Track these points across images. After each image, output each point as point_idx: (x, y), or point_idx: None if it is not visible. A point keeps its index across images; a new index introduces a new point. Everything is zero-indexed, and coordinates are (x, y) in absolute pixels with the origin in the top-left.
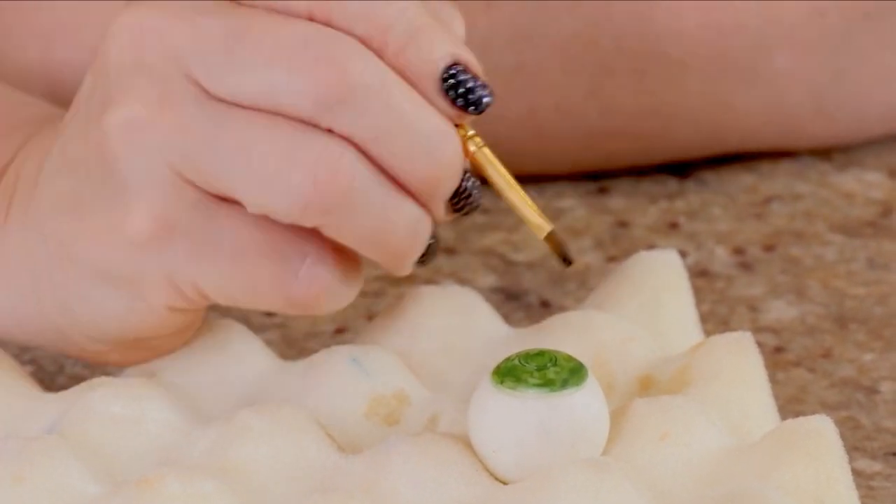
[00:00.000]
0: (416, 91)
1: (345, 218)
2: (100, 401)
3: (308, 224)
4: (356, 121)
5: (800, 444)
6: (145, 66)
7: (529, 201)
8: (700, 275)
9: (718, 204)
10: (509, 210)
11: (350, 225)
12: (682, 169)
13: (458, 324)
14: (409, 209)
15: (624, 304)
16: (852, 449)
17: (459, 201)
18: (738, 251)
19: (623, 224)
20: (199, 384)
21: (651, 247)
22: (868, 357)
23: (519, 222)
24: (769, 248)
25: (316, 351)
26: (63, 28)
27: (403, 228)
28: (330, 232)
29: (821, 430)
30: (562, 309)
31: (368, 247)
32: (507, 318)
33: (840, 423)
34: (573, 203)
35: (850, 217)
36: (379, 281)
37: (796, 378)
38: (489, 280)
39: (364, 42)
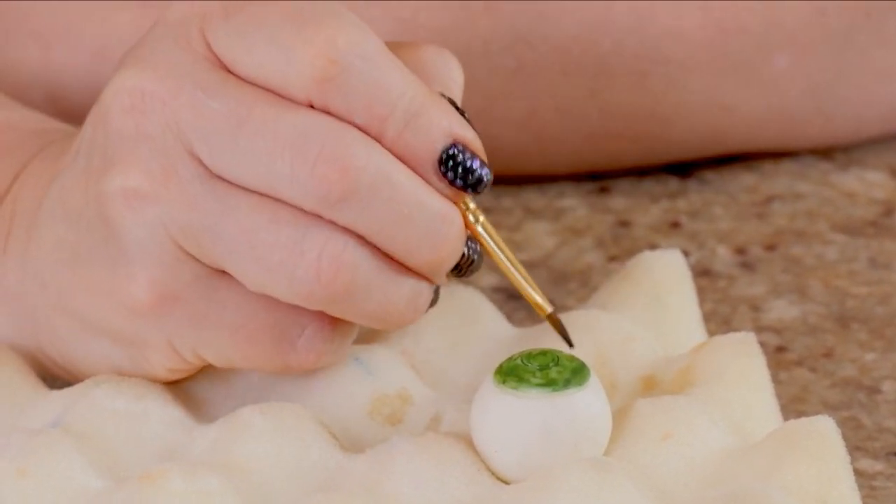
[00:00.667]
0: (416, 175)
1: (347, 305)
2: (103, 397)
3: (311, 308)
4: (359, 215)
5: (802, 444)
6: (147, 136)
7: (530, 280)
8: (702, 274)
9: (720, 203)
10: (511, 209)
11: (352, 309)
12: (684, 168)
13: (461, 323)
14: (411, 285)
15: (627, 303)
16: (854, 449)
17: (462, 269)
18: (740, 251)
19: (624, 224)
20: (203, 384)
21: (652, 246)
22: (870, 357)
23: (520, 222)
24: (771, 247)
25: None
26: (62, 30)
27: (405, 303)
28: (333, 313)
29: (823, 431)
30: (563, 308)
31: (370, 322)
32: (509, 318)
33: (842, 423)
34: (574, 202)
35: (851, 217)
36: None
37: (798, 378)
38: (491, 279)
39: (363, 129)
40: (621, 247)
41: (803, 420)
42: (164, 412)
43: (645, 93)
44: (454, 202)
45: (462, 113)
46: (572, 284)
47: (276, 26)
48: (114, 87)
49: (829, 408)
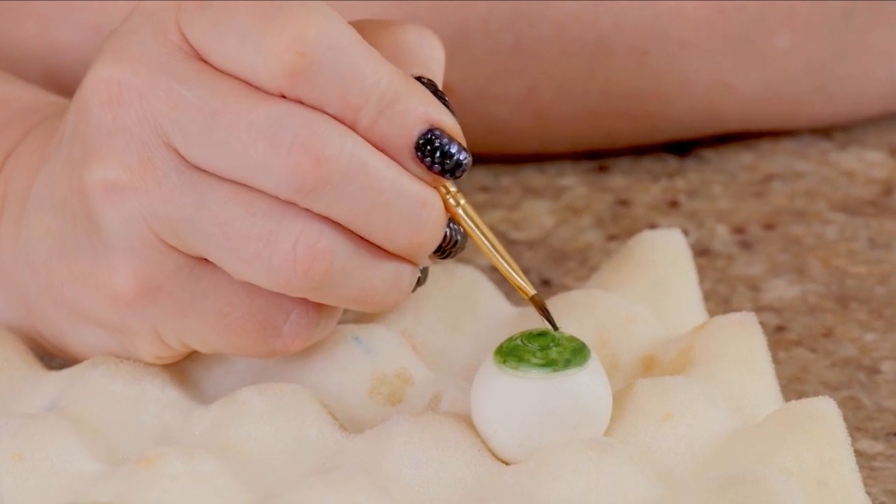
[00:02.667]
0: (393, 161)
1: (327, 291)
2: (101, 379)
3: (291, 295)
4: (334, 204)
5: (802, 425)
6: (125, 128)
7: (512, 262)
8: (701, 254)
9: (719, 182)
10: (509, 188)
11: (332, 294)
12: (683, 147)
13: (461, 303)
14: (392, 268)
15: (628, 283)
16: (854, 429)
17: (445, 250)
18: (739, 230)
19: (623, 202)
20: (200, 364)
21: (651, 225)
22: (869, 337)
23: (519, 201)
24: (770, 226)
25: None
26: (61, 8)
27: (386, 286)
28: (314, 299)
29: (823, 412)
30: (563, 287)
31: (353, 306)
32: (508, 297)
33: (841, 404)
34: (573, 181)
35: (851, 196)
36: None
37: (798, 357)
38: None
39: (338, 118)
40: (620, 226)
41: (804, 401)
42: (161, 394)
43: (644, 71)
44: (434, 186)
45: (441, 95)
46: (571, 263)
47: (247, 18)
48: (91, 79)
49: (828, 388)
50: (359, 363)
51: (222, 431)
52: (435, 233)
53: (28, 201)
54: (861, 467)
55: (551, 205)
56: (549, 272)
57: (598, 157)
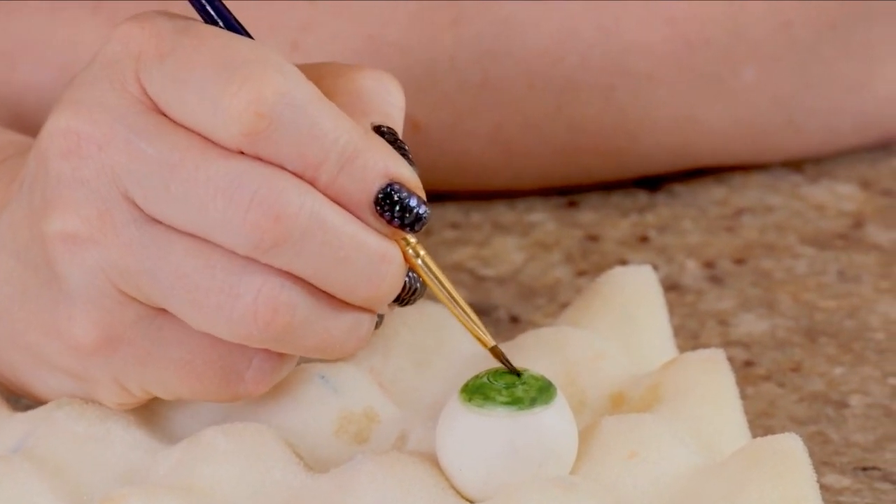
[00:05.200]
0: (353, 216)
1: (287, 342)
2: (65, 420)
3: (252, 346)
4: (294, 260)
5: (768, 463)
6: (84, 180)
7: (471, 313)
8: (670, 288)
9: (689, 217)
10: (480, 224)
11: (293, 345)
12: (653, 182)
13: (430, 340)
14: (351, 318)
15: (598, 320)
16: (821, 464)
17: (404, 299)
18: (709, 264)
19: (593, 238)
20: (166, 405)
21: (622, 261)
22: (838, 371)
23: (489, 237)
24: (740, 261)
25: None
26: (27, 48)
27: (346, 335)
28: (274, 349)
29: (789, 449)
30: (532, 324)
31: (313, 355)
32: None
33: (809, 438)
34: (543, 217)
35: (821, 229)
36: None
37: (766, 392)
38: (461, 295)
39: (297, 174)
40: (590, 261)
41: (769, 438)
42: (126, 434)
43: (612, 107)
44: (394, 239)
45: (401, 145)
46: (540, 300)
47: (204, 75)
48: (50, 128)
49: (796, 422)
50: (325, 402)
51: (186, 472)
52: (394, 285)
53: None
54: (828, 502)
55: (521, 241)
56: (519, 309)
57: (567, 192)
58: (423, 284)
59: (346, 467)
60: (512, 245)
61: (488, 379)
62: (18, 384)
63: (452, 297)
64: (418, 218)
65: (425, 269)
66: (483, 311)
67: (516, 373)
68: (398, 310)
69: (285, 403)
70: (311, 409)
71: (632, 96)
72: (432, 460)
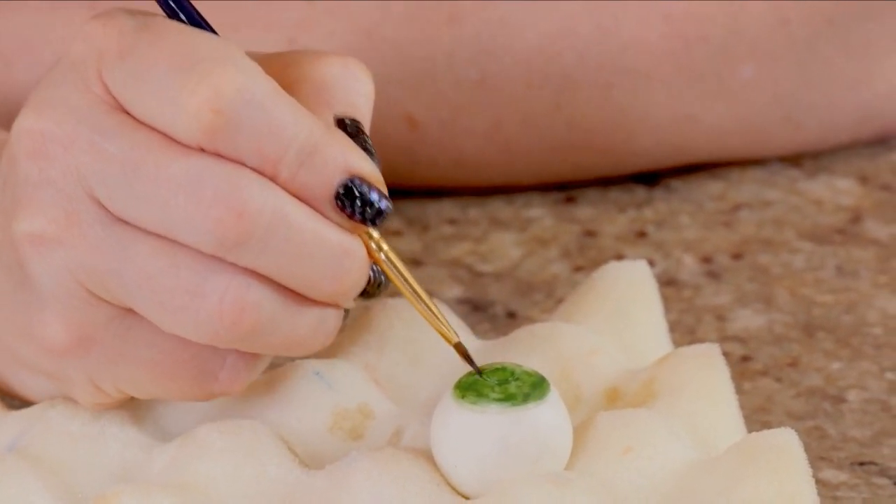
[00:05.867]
0: (315, 212)
1: (254, 341)
2: (60, 418)
3: (219, 346)
4: (258, 257)
5: (763, 458)
6: (50, 181)
7: (435, 308)
8: (667, 284)
9: (686, 212)
10: (477, 220)
11: (259, 344)
12: (650, 177)
13: (425, 336)
14: (316, 314)
15: (593, 315)
16: (818, 459)
17: (368, 292)
18: (706, 259)
19: (590, 233)
20: (161, 402)
21: (619, 256)
22: (835, 366)
23: (486, 233)
24: (737, 256)
25: (279, 365)
26: (23, 47)
27: (312, 331)
28: (241, 349)
29: (785, 444)
30: (528, 320)
31: (280, 352)
32: (474, 329)
33: (806, 433)
34: (540, 212)
35: (819, 224)
36: None
37: (763, 388)
38: (455, 291)
39: (257, 170)
40: (587, 257)
41: (764, 433)
42: (120, 432)
43: (610, 104)
44: (357, 234)
45: (364, 138)
46: (538, 295)
47: (163, 72)
48: (17, 129)
49: (793, 418)
50: (320, 398)
51: (181, 469)
52: (358, 280)
53: None
54: (825, 497)
55: (518, 236)
56: (516, 304)
57: (565, 187)
58: (388, 278)
59: (342, 464)
60: (509, 240)
61: (481, 375)
62: (2, 384)
63: (416, 292)
64: (379, 212)
65: (388, 263)
66: (480, 307)
67: (479, 371)
68: (389, 307)
69: (280, 400)
70: (305, 406)
71: (630, 94)
72: (427, 457)
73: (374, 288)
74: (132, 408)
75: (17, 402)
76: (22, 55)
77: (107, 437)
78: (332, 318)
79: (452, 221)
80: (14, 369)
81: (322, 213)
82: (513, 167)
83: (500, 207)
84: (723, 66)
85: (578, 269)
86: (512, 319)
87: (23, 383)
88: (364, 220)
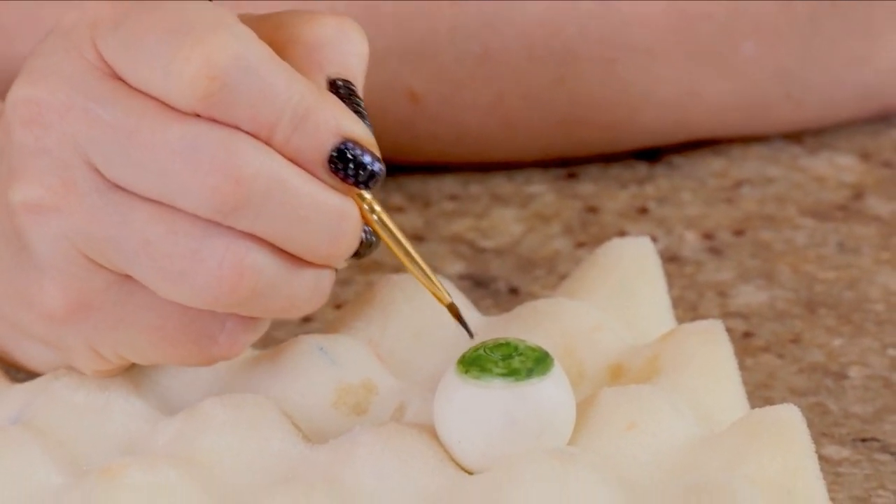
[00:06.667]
0: (310, 176)
1: (253, 305)
2: (64, 390)
3: (218, 311)
4: (255, 221)
5: (766, 433)
6: (46, 149)
7: (428, 269)
8: (669, 260)
9: (688, 188)
10: (478, 196)
11: (258, 308)
12: (652, 154)
13: (428, 311)
14: (312, 275)
15: (596, 291)
16: (820, 435)
17: (360, 253)
18: (708, 236)
19: (592, 209)
20: (167, 374)
21: (621, 232)
22: (837, 342)
23: (487, 209)
24: (739, 232)
25: (283, 340)
26: (24, 22)
27: (309, 293)
28: (240, 313)
29: (788, 420)
30: (530, 296)
31: (278, 315)
32: (476, 305)
33: (808, 409)
34: (542, 188)
35: (821, 201)
36: (347, 269)
37: (765, 364)
38: (457, 267)
39: (252, 134)
40: (589, 233)
41: (767, 409)
42: (126, 404)
43: (612, 79)
44: (350, 196)
45: (357, 100)
46: (539, 271)
47: (157, 39)
48: (11, 98)
49: (795, 394)
50: (324, 374)
51: (185, 442)
52: (352, 241)
53: None
54: (827, 473)
55: (520, 213)
56: (518, 280)
57: (567, 164)
58: (378, 237)
59: (345, 439)
60: (511, 217)
61: (485, 350)
62: (3, 353)
63: (409, 253)
64: (372, 175)
65: (381, 225)
66: (482, 283)
67: (471, 332)
68: (392, 283)
69: (284, 375)
70: (309, 381)
71: (632, 69)
72: (431, 432)
73: (366, 248)
74: (137, 380)
75: (21, 374)
76: (23, 28)
77: (111, 409)
78: (327, 279)
79: (454, 197)
80: (17, 340)
81: (317, 177)
82: (514, 142)
83: (501, 183)
84: (725, 42)
85: (580, 245)
86: (514, 295)
87: (25, 353)
88: (357, 183)
